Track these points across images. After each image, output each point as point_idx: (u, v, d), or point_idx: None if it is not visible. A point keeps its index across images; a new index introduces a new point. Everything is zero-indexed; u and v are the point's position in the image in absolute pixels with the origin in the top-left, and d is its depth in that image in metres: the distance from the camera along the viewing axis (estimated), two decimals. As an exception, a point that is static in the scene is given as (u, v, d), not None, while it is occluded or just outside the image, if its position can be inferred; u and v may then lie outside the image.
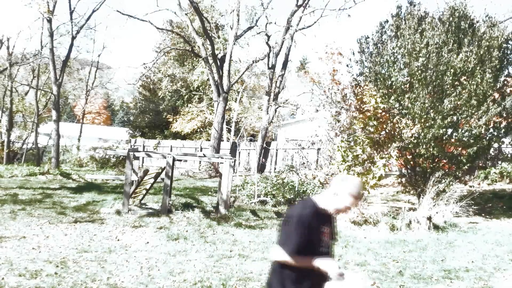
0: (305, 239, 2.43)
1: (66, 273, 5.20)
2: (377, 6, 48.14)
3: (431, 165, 10.14)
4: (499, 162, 14.39)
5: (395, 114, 10.09)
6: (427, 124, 9.54)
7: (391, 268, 5.99)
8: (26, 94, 29.47)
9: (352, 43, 65.04)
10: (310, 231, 2.45)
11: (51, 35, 20.64)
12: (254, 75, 31.67)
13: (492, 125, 9.87)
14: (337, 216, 2.78)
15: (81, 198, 11.37)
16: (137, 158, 11.04)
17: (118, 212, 9.29)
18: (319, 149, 18.28)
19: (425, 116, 9.54)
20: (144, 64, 24.30)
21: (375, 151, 9.86)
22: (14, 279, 4.88)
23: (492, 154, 14.18)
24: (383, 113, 10.07)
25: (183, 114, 30.49)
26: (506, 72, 10.41)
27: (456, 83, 9.54)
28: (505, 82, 10.29)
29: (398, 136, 9.96)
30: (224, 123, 24.22)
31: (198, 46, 22.38)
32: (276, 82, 22.17)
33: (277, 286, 2.53)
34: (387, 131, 10.31)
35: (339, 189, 2.54)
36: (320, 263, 2.46)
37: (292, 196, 11.61)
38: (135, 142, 27.84)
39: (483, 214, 10.19)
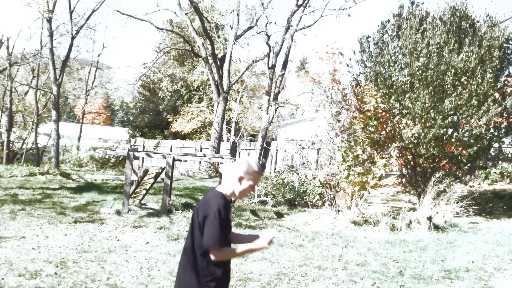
0: (226, 230, 2.49)
1: (66, 273, 5.19)
2: (377, 6, 48.16)
3: (432, 165, 10.13)
4: (500, 162, 14.38)
5: (396, 114, 10.08)
6: (427, 124, 9.53)
7: (391, 268, 5.98)
8: (26, 94, 29.43)
9: (352, 43, 65.04)
10: (228, 222, 2.53)
11: (51, 35, 20.63)
12: (254, 75, 31.67)
13: (492, 125, 9.87)
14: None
15: (81, 198, 11.35)
16: (137, 158, 11.02)
17: (118, 212, 9.27)
18: (319, 149, 18.25)
19: (425, 116, 9.53)
20: (144, 64, 24.27)
21: (375, 151, 9.85)
22: (14, 279, 4.87)
23: (493, 154, 14.17)
24: (384, 113, 10.07)
25: (183, 114, 30.48)
26: (506, 72, 10.42)
27: (456, 83, 9.54)
28: (506, 82, 10.29)
29: (399, 136, 9.95)
30: (224, 123, 24.21)
31: (198, 46, 22.37)
32: (276, 82, 22.15)
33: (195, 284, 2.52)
34: (387, 131, 10.30)
35: (238, 173, 2.60)
36: (258, 243, 2.55)
37: (292, 196, 11.60)
38: (135, 142, 27.83)
39: (483, 214, 10.18)
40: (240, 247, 2.59)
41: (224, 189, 2.63)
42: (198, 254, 2.51)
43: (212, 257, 2.47)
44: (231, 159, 9.93)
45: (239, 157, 22.81)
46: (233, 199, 2.72)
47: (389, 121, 10.16)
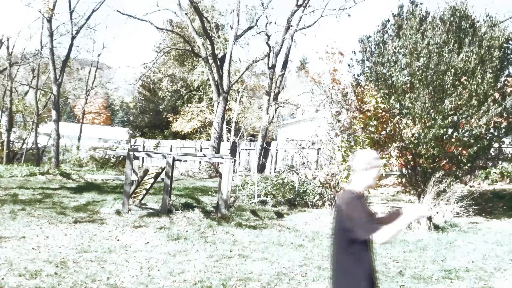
0: (369, 217, 2.66)
1: (66, 273, 5.19)
2: (377, 6, 48.15)
3: (432, 165, 10.12)
4: (500, 162, 14.37)
5: (396, 114, 10.08)
6: (427, 124, 9.53)
7: (391, 268, 5.98)
8: (26, 94, 29.43)
9: (352, 43, 65.03)
10: (367, 210, 2.70)
11: (51, 35, 20.62)
12: (254, 75, 31.68)
13: (492, 125, 9.86)
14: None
15: (81, 198, 11.35)
16: (137, 158, 11.02)
17: (118, 212, 9.27)
18: (319, 149, 18.22)
19: (425, 116, 9.53)
20: (144, 64, 24.30)
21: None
22: (14, 279, 4.87)
23: (493, 154, 14.17)
24: (384, 113, 10.07)
25: (183, 114, 30.49)
26: (506, 72, 10.40)
27: (456, 83, 9.53)
28: (506, 82, 10.27)
29: (399, 136, 9.95)
30: (224, 123, 24.21)
31: (198, 46, 22.37)
32: (276, 82, 22.17)
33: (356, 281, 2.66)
34: (388, 131, 10.30)
35: (359, 166, 2.77)
36: (410, 215, 2.67)
37: (292, 196, 11.60)
38: (135, 142, 27.82)
39: (483, 214, 10.18)
40: (394, 224, 2.61)
41: (353, 186, 2.81)
42: (344, 255, 2.69)
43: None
44: (231, 159, 9.93)
45: (239, 157, 22.81)
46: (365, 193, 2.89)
47: (389, 121, 10.16)
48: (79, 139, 30.32)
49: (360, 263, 2.66)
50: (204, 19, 21.19)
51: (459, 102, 9.39)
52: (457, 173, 10.19)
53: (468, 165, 10.12)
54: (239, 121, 30.24)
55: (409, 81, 9.91)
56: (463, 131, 9.73)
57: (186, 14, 22.01)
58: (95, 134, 38.99)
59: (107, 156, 24.60)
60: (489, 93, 9.43)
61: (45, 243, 6.60)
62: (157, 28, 23.69)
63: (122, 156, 20.98)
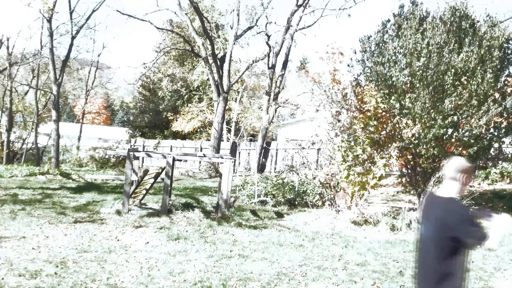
0: (477, 224, 2.75)
1: (66, 273, 5.19)
2: (377, 6, 48.14)
3: (432, 165, 10.12)
4: (500, 162, 14.37)
5: (396, 114, 10.08)
6: (427, 124, 9.53)
7: (391, 268, 5.98)
8: (26, 94, 29.45)
9: (353, 43, 64.98)
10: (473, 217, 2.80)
11: (51, 35, 20.61)
12: (254, 75, 31.70)
13: (492, 125, 9.85)
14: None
15: (81, 198, 11.35)
16: (137, 158, 11.02)
17: (118, 212, 9.27)
18: (319, 149, 18.23)
19: (425, 116, 9.52)
20: (144, 64, 24.32)
21: (375, 151, 9.85)
22: (14, 279, 4.87)
23: (493, 154, 14.18)
24: (384, 113, 10.06)
25: (183, 114, 30.50)
26: (507, 72, 10.39)
27: (456, 83, 9.53)
28: (506, 82, 10.27)
29: (399, 136, 9.95)
30: (224, 123, 24.21)
31: (198, 46, 22.38)
32: (276, 82, 22.18)
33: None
34: (388, 131, 10.30)
35: (458, 174, 2.86)
36: (507, 225, 2.79)
37: (292, 196, 11.59)
38: (135, 142, 27.83)
39: (483, 214, 10.16)
40: (497, 231, 2.72)
41: (450, 193, 2.91)
42: (444, 262, 2.80)
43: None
44: (231, 159, 9.92)
45: (239, 157, 22.82)
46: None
47: (389, 121, 10.16)
48: (79, 139, 30.32)
49: (459, 268, 2.81)
50: (204, 19, 21.19)
51: (459, 102, 9.39)
52: (457, 173, 10.17)
53: (468, 165, 10.10)
54: (239, 121, 30.25)
55: (409, 81, 9.91)
56: (463, 131, 9.72)
57: (186, 14, 22.01)
58: (95, 134, 39.01)
59: (107, 156, 24.61)
60: (489, 93, 9.42)
61: (45, 243, 6.60)
62: (157, 28, 23.70)
63: (122, 156, 20.98)
